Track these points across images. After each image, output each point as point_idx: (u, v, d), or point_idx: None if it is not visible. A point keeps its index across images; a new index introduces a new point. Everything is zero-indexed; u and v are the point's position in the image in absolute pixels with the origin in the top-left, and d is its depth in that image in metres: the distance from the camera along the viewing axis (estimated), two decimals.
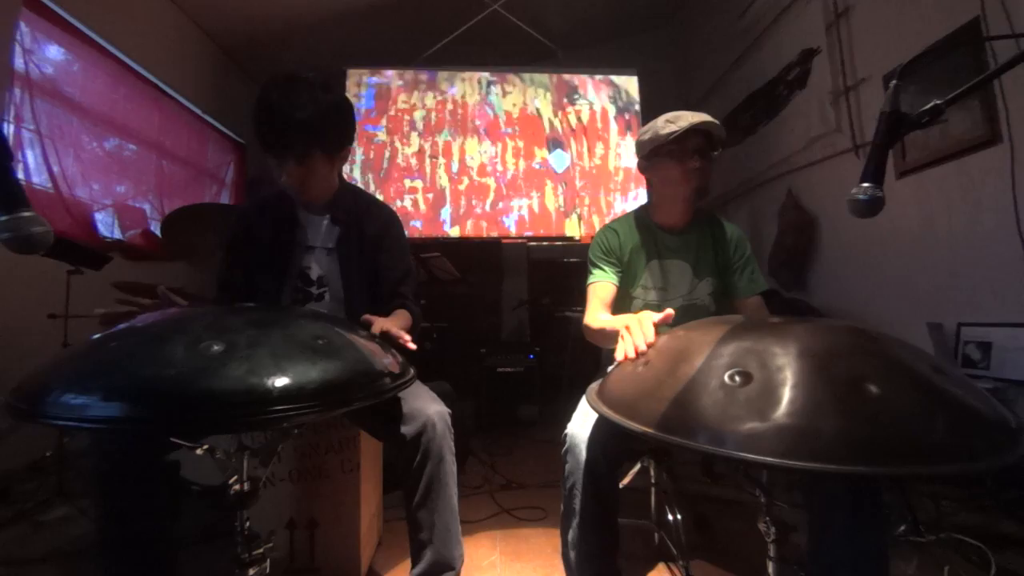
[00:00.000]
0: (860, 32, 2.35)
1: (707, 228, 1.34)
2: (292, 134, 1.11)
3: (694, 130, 1.19)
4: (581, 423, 1.02)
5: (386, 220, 1.35)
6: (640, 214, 1.38)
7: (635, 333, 0.80)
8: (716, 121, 1.20)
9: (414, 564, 1.08)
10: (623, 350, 0.79)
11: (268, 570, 0.78)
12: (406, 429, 1.05)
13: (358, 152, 3.54)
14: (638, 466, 1.30)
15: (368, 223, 1.31)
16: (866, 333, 0.65)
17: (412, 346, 0.97)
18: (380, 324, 0.97)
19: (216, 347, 0.61)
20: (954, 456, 0.49)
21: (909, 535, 1.33)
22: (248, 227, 1.28)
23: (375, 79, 3.63)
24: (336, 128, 1.19)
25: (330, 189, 1.30)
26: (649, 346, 0.78)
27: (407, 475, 1.07)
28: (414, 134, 3.61)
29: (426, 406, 1.09)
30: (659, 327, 0.82)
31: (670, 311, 0.82)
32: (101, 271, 1.92)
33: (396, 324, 1.00)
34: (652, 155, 1.27)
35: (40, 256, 0.72)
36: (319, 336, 0.71)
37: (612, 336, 0.86)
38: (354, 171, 3.50)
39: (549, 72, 3.73)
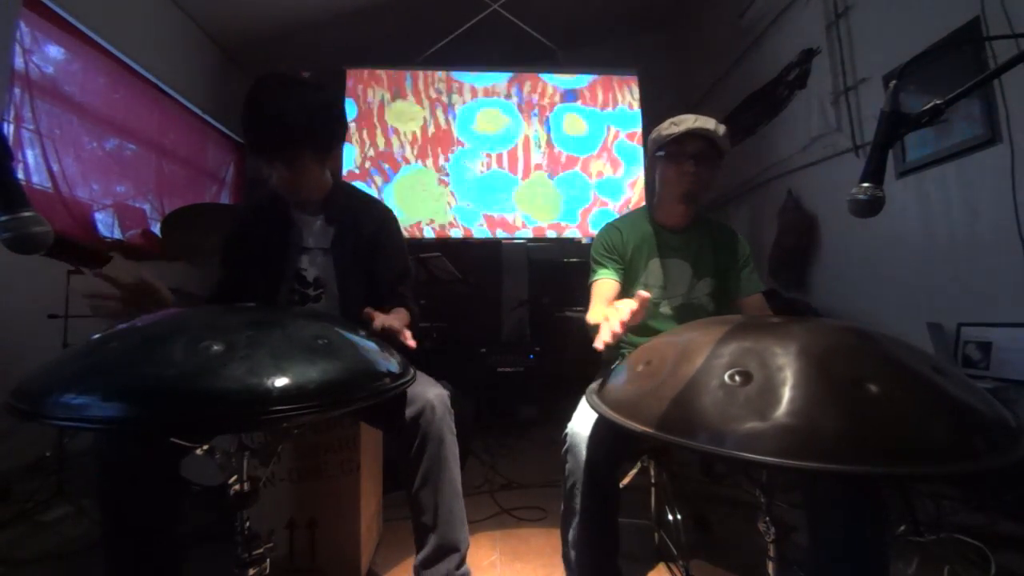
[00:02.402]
0: (860, 32, 2.35)
1: (707, 230, 1.36)
2: (280, 138, 1.10)
3: (692, 134, 1.20)
4: (581, 423, 1.03)
5: (382, 219, 1.35)
6: (643, 213, 1.39)
7: (612, 318, 0.80)
8: (718, 128, 1.20)
9: (418, 550, 1.07)
10: (600, 340, 0.79)
11: (268, 570, 0.78)
12: (405, 412, 1.05)
13: None
14: (638, 466, 1.30)
15: (363, 222, 1.31)
16: (866, 333, 0.65)
17: (412, 343, 0.97)
18: (381, 320, 0.97)
19: (216, 347, 0.61)
20: (954, 456, 0.49)
21: (909, 535, 1.33)
22: (243, 229, 1.28)
23: None
24: (325, 129, 1.17)
25: (323, 188, 1.29)
26: (623, 324, 0.78)
27: (407, 459, 1.06)
28: None
29: (425, 390, 1.09)
30: (640, 310, 0.81)
31: (645, 293, 0.81)
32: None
33: (397, 321, 1.00)
34: (654, 154, 1.30)
35: (40, 256, 0.72)
36: (319, 336, 0.71)
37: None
38: None
39: (549, 72, 3.72)
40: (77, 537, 1.55)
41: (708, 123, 1.21)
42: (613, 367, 0.85)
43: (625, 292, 1.32)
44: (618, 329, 0.78)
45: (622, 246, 1.32)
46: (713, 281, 1.32)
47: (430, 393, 1.08)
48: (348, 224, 1.29)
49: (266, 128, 1.09)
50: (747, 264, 1.34)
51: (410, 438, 1.05)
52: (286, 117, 1.08)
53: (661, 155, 1.27)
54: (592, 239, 1.51)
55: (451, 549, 1.06)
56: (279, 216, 1.27)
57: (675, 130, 1.21)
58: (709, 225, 1.37)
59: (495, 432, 2.69)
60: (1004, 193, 1.64)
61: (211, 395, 0.57)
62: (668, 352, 0.71)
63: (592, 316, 1.21)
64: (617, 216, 1.68)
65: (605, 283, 1.28)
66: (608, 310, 0.84)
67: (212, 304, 1.26)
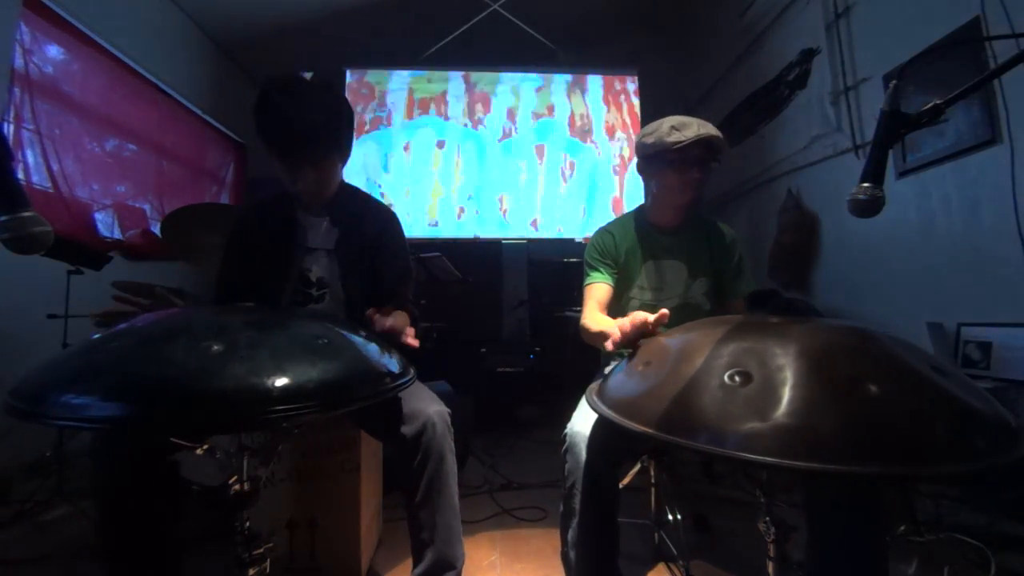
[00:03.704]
0: (860, 32, 2.35)
1: (701, 229, 1.35)
2: (308, 141, 1.11)
3: (699, 143, 1.17)
4: (581, 423, 1.03)
5: (385, 220, 1.35)
6: (636, 215, 1.39)
7: (624, 322, 0.85)
8: (719, 134, 1.19)
9: (416, 564, 1.08)
10: (615, 331, 0.85)
11: (268, 570, 0.78)
12: (406, 429, 1.05)
13: None
14: (638, 466, 1.30)
15: (367, 224, 1.31)
16: (866, 333, 0.65)
17: (414, 342, 0.97)
18: (383, 321, 0.97)
19: (216, 347, 0.61)
20: (954, 456, 0.49)
21: (909, 535, 1.33)
22: (247, 229, 1.28)
23: None
24: (345, 130, 1.21)
25: (332, 190, 1.30)
26: (635, 326, 0.82)
27: (407, 475, 1.07)
28: None
29: (426, 406, 1.09)
30: (656, 328, 0.83)
31: (665, 311, 0.83)
32: (101, 271, 1.92)
33: (399, 322, 1.00)
34: (653, 159, 1.25)
35: (40, 256, 0.72)
36: (320, 336, 0.71)
37: (606, 337, 0.87)
38: None
39: (549, 72, 3.72)
40: (77, 537, 1.55)
41: (711, 129, 1.18)
42: (613, 367, 0.85)
43: (620, 295, 1.32)
44: (628, 328, 0.83)
45: (615, 250, 1.32)
46: (708, 280, 1.32)
47: (430, 410, 1.09)
48: (352, 225, 1.30)
49: (293, 131, 1.10)
50: (739, 266, 1.33)
51: (411, 455, 1.06)
52: (313, 119, 1.09)
53: (663, 161, 1.23)
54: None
55: (448, 566, 1.07)
56: (284, 216, 1.28)
57: (680, 137, 1.17)
58: (704, 224, 1.36)
59: (495, 432, 2.69)
60: (1004, 193, 1.64)
61: (211, 395, 0.57)
62: (668, 352, 0.71)
63: (589, 320, 1.21)
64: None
65: (598, 287, 1.28)
66: (623, 319, 0.87)
67: (215, 304, 1.27)
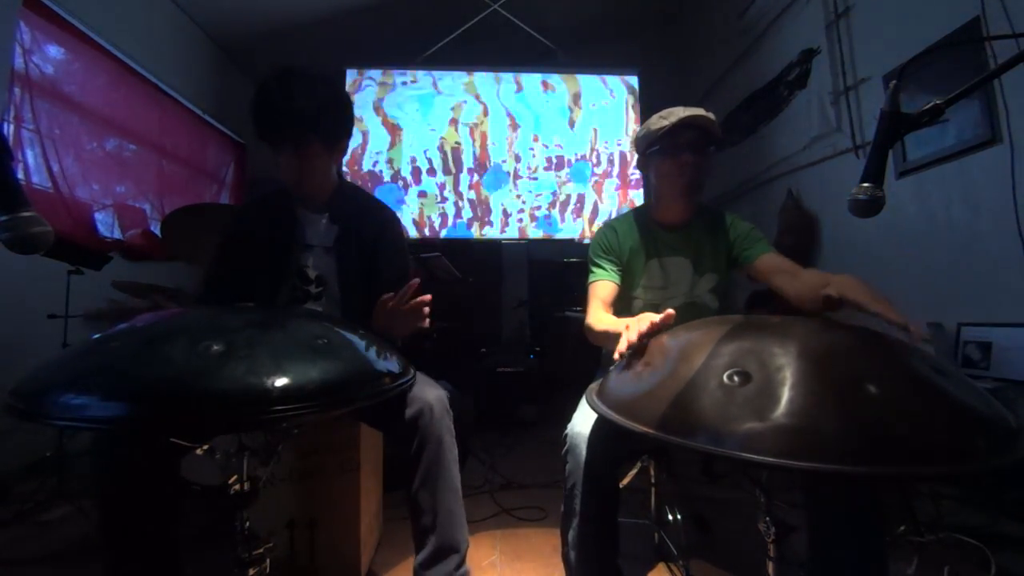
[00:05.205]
0: (860, 32, 2.35)
1: (704, 222, 1.33)
2: (289, 123, 1.12)
3: (686, 125, 1.18)
4: (581, 423, 1.02)
5: (385, 220, 1.35)
6: (640, 212, 1.38)
7: (631, 328, 0.81)
8: (708, 115, 1.19)
9: (418, 551, 1.06)
10: (623, 343, 0.81)
11: (268, 570, 0.78)
12: (403, 414, 1.05)
13: None
14: (638, 466, 1.30)
15: (367, 223, 1.31)
16: (866, 333, 0.65)
17: (427, 297, 1.07)
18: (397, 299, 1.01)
19: (216, 347, 0.61)
20: (954, 456, 0.49)
21: (909, 535, 1.33)
22: (246, 225, 1.28)
23: None
24: (333, 120, 1.20)
25: (328, 185, 1.30)
26: (642, 336, 0.79)
27: (407, 460, 1.06)
28: None
29: (423, 391, 1.09)
30: (661, 327, 0.82)
31: (671, 311, 0.82)
32: (101, 271, 1.92)
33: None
34: (647, 151, 1.26)
35: (40, 256, 0.72)
36: (319, 336, 0.71)
37: (614, 337, 0.86)
38: None
39: (549, 72, 3.72)
40: (77, 537, 1.55)
41: (698, 111, 1.19)
42: (613, 367, 0.85)
43: (624, 293, 1.31)
44: (634, 339, 0.79)
45: (618, 247, 1.31)
46: (717, 276, 1.30)
47: (429, 394, 1.08)
48: (352, 223, 1.30)
49: (276, 113, 1.11)
50: (747, 235, 1.30)
51: (408, 439, 1.05)
52: (296, 102, 1.10)
53: (655, 151, 1.24)
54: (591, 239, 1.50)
55: (451, 550, 1.06)
56: (284, 212, 1.28)
57: (666, 123, 1.19)
58: (709, 216, 1.34)
59: (495, 432, 2.69)
60: (1004, 193, 1.64)
61: (211, 395, 0.57)
62: (668, 352, 0.71)
63: (594, 319, 1.20)
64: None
65: (603, 285, 1.26)
66: (630, 320, 0.85)
67: (202, 302, 1.26)
